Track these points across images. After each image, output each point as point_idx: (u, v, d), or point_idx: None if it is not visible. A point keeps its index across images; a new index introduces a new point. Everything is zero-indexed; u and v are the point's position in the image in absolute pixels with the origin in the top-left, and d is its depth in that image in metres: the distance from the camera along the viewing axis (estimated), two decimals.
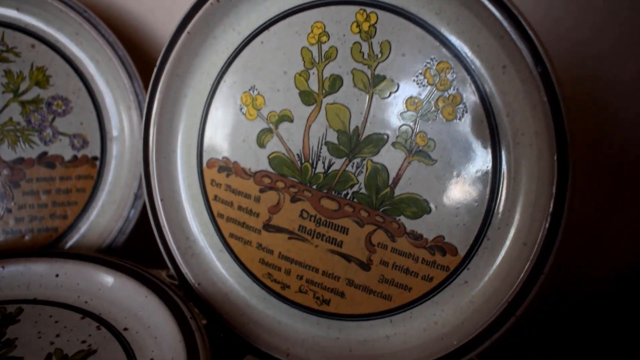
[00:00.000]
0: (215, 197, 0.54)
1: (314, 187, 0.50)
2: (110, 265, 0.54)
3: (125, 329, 0.50)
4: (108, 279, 0.53)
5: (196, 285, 0.54)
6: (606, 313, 0.72)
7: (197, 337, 0.45)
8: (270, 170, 0.52)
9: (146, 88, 0.57)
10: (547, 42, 0.41)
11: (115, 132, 0.63)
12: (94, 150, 0.63)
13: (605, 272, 0.70)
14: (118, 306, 0.52)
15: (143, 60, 0.64)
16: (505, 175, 0.44)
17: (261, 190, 0.52)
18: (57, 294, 0.54)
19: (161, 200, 0.54)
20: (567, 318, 0.73)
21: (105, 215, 0.63)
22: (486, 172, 0.44)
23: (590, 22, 0.60)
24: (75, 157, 0.63)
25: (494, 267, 0.45)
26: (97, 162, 0.63)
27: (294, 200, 0.51)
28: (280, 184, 0.51)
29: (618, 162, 0.65)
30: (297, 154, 0.50)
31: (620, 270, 0.70)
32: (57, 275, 0.55)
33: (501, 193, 0.44)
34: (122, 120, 0.63)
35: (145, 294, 0.50)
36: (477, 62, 0.43)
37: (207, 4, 0.49)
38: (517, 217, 0.44)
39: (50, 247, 0.63)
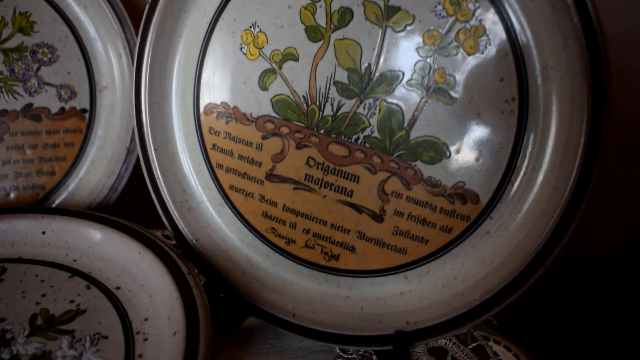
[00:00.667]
0: (214, 146, 0.50)
1: (322, 131, 0.47)
2: (101, 221, 0.51)
3: (118, 288, 0.47)
4: (98, 235, 0.50)
5: (194, 241, 0.51)
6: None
7: (196, 293, 0.42)
8: (274, 114, 0.48)
9: (137, 33, 0.53)
10: None
11: (105, 82, 0.60)
12: (82, 101, 0.60)
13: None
14: (110, 264, 0.49)
15: (134, 3, 0.59)
16: (533, 114, 0.40)
17: (264, 137, 0.48)
18: (43, 252, 0.51)
19: (155, 150, 0.51)
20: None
21: (96, 171, 0.61)
22: (511, 111, 0.41)
23: None
24: (62, 109, 0.60)
25: (520, 215, 0.42)
26: (87, 115, 0.60)
27: (299, 146, 0.47)
28: (284, 130, 0.48)
29: None
30: (303, 96, 0.47)
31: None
32: (43, 233, 0.52)
33: (528, 134, 0.41)
34: (112, 69, 0.60)
35: (138, 249, 0.48)
36: None
37: None
38: (546, 159, 0.41)
39: (36, 205, 0.60)
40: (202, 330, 0.39)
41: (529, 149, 0.41)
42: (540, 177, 0.41)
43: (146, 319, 0.43)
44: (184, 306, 0.41)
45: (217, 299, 0.49)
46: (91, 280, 0.47)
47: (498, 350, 0.52)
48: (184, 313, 0.40)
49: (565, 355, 0.69)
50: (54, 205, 0.60)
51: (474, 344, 0.53)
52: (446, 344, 0.52)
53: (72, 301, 0.45)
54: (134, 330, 0.42)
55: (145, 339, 0.41)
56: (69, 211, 0.53)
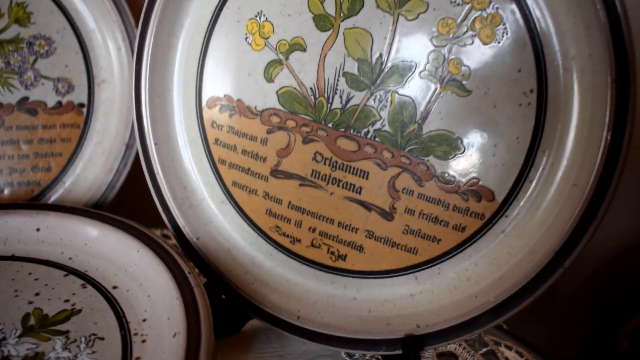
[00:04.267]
0: (217, 140, 0.49)
1: (330, 125, 0.46)
2: (98, 218, 0.50)
3: (115, 287, 0.46)
4: (95, 232, 0.49)
5: (195, 240, 0.50)
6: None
7: (197, 293, 0.41)
8: (280, 107, 0.47)
9: (137, 24, 0.52)
10: None
11: (103, 76, 0.59)
12: (80, 95, 0.59)
13: None
14: (107, 262, 0.48)
15: None
16: (552, 107, 0.40)
17: (269, 131, 0.47)
18: (38, 249, 0.50)
19: (155, 144, 0.50)
20: None
21: (93, 167, 0.60)
22: (529, 104, 0.40)
23: None
24: (59, 103, 0.59)
25: (538, 213, 0.41)
26: (84, 109, 0.59)
27: (306, 141, 0.47)
28: (290, 123, 0.46)
29: None
30: (311, 88, 0.45)
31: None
32: (37, 230, 0.51)
33: (547, 128, 0.40)
34: (111, 62, 0.59)
35: (137, 247, 0.46)
36: None
37: None
38: (566, 154, 0.40)
39: (31, 202, 0.59)
40: (204, 332, 0.38)
41: (547, 145, 0.40)
42: (560, 174, 0.40)
43: (144, 320, 0.42)
44: (184, 306, 0.39)
45: (219, 300, 0.48)
46: (87, 279, 0.46)
47: (510, 355, 0.51)
48: (184, 314, 0.39)
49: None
50: (49, 202, 0.58)
51: (484, 349, 0.51)
52: (456, 348, 0.51)
53: (66, 300, 0.44)
54: (132, 331, 0.41)
55: (144, 341, 0.40)
56: (64, 207, 0.52)
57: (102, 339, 0.40)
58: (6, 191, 0.57)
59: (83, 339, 0.40)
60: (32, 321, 0.41)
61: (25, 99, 0.57)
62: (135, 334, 0.40)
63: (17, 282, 0.45)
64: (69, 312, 0.42)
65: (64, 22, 0.57)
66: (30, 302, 0.43)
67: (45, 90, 0.58)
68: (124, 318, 0.42)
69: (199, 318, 0.38)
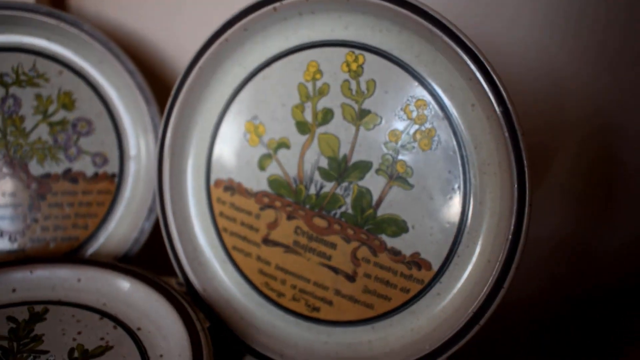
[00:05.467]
0: (221, 213, 0.59)
1: (307, 206, 0.55)
2: (127, 272, 0.59)
3: (139, 329, 0.54)
4: (125, 284, 0.58)
5: (202, 291, 0.57)
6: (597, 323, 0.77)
7: (202, 336, 0.50)
8: (269, 190, 0.56)
9: (161, 112, 0.63)
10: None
11: (133, 152, 0.68)
12: (113, 167, 0.68)
13: (596, 286, 0.76)
14: (133, 308, 0.57)
15: (159, 86, 0.69)
16: (472, 200, 0.48)
17: (261, 209, 0.57)
18: (78, 296, 0.59)
19: (173, 214, 0.59)
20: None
21: (122, 226, 0.68)
22: (456, 197, 0.49)
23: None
24: (96, 173, 0.68)
25: (462, 280, 0.49)
26: (116, 179, 0.68)
27: (289, 218, 0.56)
28: (277, 203, 0.56)
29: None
30: (293, 177, 0.55)
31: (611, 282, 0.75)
32: (79, 280, 0.59)
33: (469, 215, 0.49)
34: (139, 141, 0.68)
35: (156, 298, 0.55)
36: (450, 100, 0.49)
37: (217, 43, 0.55)
38: (482, 236, 0.48)
39: (71, 254, 0.68)
40: None
41: (469, 229, 0.49)
42: (477, 251, 0.48)
43: (161, 356, 0.51)
44: (192, 347, 0.49)
45: (219, 339, 0.56)
46: (117, 322, 0.55)
47: None
48: (191, 352, 0.48)
49: None
50: (86, 255, 0.67)
51: None
52: None
53: (102, 338, 0.53)
54: None
55: None
56: (100, 262, 0.60)
57: None
58: (52, 245, 0.67)
59: None
60: (76, 354, 0.51)
61: (69, 170, 0.67)
62: None
63: (64, 323, 0.54)
64: (104, 347, 0.52)
65: (101, 108, 0.67)
66: (74, 339, 0.52)
67: (85, 163, 0.67)
68: (146, 354, 0.51)
69: (202, 356, 0.48)
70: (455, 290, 0.50)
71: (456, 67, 0.47)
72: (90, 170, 0.68)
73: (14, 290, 0.60)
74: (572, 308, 0.78)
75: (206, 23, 0.59)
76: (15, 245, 0.68)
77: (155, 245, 0.68)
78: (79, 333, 0.55)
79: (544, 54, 0.68)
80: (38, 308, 0.58)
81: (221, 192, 0.59)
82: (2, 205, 0.67)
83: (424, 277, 0.51)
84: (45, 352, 0.52)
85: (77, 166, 0.68)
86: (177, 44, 0.71)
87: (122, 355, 0.52)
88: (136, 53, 0.72)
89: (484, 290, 0.47)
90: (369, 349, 0.53)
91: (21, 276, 0.61)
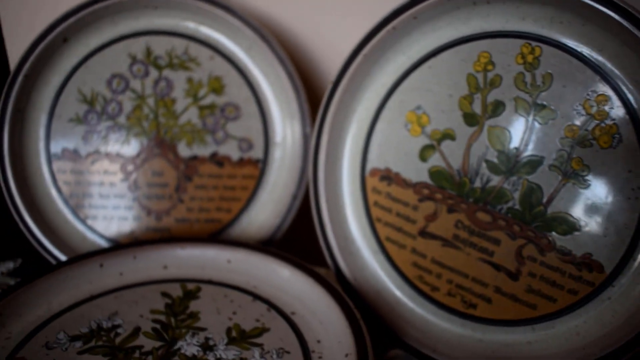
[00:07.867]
0: (375, 202, 0.59)
1: (470, 200, 0.55)
2: (278, 257, 0.60)
3: (293, 313, 0.55)
4: (277, 268, 0.59)
5: (353, 280, 0.59)
6: None
7: (362, 324, 0.50)
8: (430, 182, 0.56)
9: (309, 101, 0.64)
10: None
11: (278, 139, 0.69)
12: (258, 153, 0.70)
13: None
14: (285, 292, 0.58)
15: (308, 75, 0.70)
16: None
17: (420, 200, 0.57)
18: (228, 277, 0.60)
19: (326, 201, 0.60)
20: None
21: (264, 212, 0.69)
22: (636, 198, 0.47)
23: None
24: (241, 158, 0.69)
25: (639, 287, 0.48)
26: (260, 164, 0.70)
27: (450, 211, 0.56)
28: (438, 196, 0.56)
29: None
30: (457, 169, 0.55)
31: None
32: (228, 261, 0.61)
33: None
34: (285, 128, 0.69)
35: (310, 284, 0.56)
36: (634, 97, 0.47)
37: (384, 31, 0.55)
38: None
39: (214, 236, 0.70)
40: (370, 355, 0.47)
41: None
42: None
43: (319, 341, 0.51)
44: (353, 334, 0.48)
45: (369, 329, 0.57)
46: (270, 304, 0.56)
47: None
48: (354, 339, 0.48)
49: None
50: (229, 238, 0.70)
51: None
52: None
53: (257, 320, 0.54)
54: (310, 349, 0.50)
55: (320, 357, 0.49)
56: (250, 245, 0.62)
57: (288, 352, 0.50)
58: (196, 226, 0.70)
59: (274, 352, 0.50)
60: (234, 333, 0.52)
61: (215, 153, 0.69)
62: (313, 352, 0.50)
63: (217, 302, 0.56)
64: (260, 329, 0.52)
65: (249, 94, 0.68)
66: (230, 319, 0.54)
67: (231, 147, 0.69)
68: (303, 337, 0.51)
69: (365, 344, 0.48)
70: (630, 296, 0.48)
71: None
72: (235, 155, 0.70)
73: (165, 267, 0.62)
74: None
75: (355, 24, 0.60)
76: (160, 224, 0.70)
77: (295, 235, 0.69)
78: (234, 313, 0.56)
79: None
80: (190, 286, 0.60)
81: (377, 181, 0.59)
82: (151, 184, 0.69)
83: (594, 279, 0.49)
84: (203, 329, 0.53)
85: (223, 150, 0.70)
86: (328, 34, 0.70)
87: (279, 338, 0.53)
88: (286, 40, 0.72)
89: None
90: (528, 350, 0.52)
91: (172, 254, 0.63)
